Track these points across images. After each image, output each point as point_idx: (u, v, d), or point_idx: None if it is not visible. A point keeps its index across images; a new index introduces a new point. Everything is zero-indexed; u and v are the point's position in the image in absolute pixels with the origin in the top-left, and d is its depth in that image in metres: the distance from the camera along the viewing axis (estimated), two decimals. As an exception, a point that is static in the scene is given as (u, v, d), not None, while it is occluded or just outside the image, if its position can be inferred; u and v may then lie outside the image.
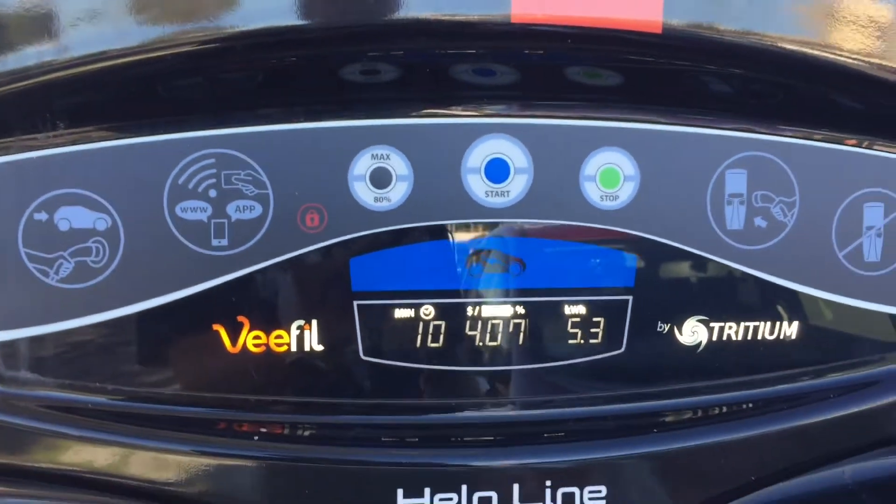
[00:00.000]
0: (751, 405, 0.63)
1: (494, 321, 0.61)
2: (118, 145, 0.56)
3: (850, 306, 0.65)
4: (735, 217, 0.63)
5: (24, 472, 0.54)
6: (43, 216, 0.55)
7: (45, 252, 0.56)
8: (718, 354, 0.63)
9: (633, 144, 0.61)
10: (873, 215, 0.65)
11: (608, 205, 0.61)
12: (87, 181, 0.56)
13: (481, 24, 0.55)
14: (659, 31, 0.56)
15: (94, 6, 0.52)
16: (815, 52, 0.60)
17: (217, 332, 0.58)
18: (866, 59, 0.60)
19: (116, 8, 0.53)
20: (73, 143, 0.56)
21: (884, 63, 0.61)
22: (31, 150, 0.55)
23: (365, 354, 0.59)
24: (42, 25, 0.53)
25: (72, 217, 0.55)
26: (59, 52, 0.53)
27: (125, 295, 0.56)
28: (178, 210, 0.56)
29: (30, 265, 0.55)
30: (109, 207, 0.56)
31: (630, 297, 0.62)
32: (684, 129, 0.62)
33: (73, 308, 0.56)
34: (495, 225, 0.60)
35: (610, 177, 0.61)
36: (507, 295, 0.61)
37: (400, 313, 0.60)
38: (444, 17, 0.55)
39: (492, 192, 0.60)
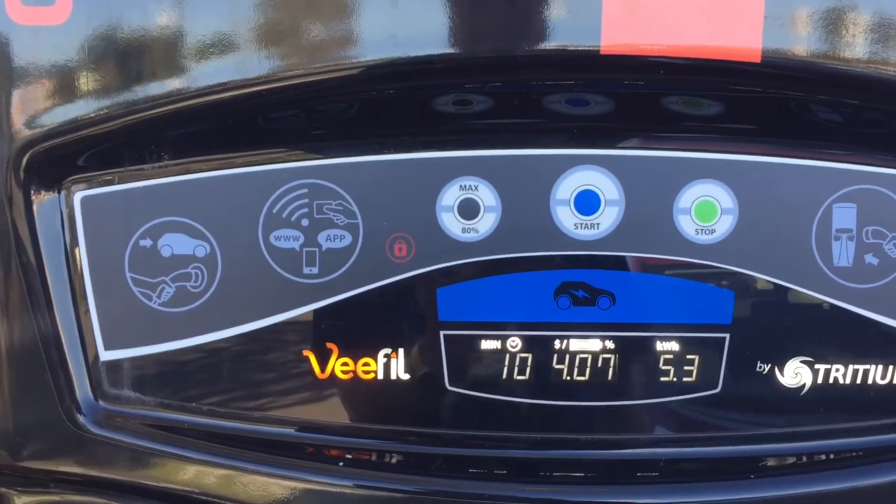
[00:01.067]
0: (858, 453, 0.59)
1: (582, 356, 0.60)
2: (217, 175, 0.58)
3: (971, 351, 0.60)
4: (843, 253, 0.60)
5: (120, 486, 0.57)
6: (147, 243, 0.58)
7: (149, 276, 0.58)
8: (823, 398, 0.60)
9: (731, 177, 0.59)
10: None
11: (704, 238, 0.59)
12: (189, 210, 0.58)
13: (571, 56, 0.55)
14: (758, 60, 0.54)
15: (200, 43, 0.55)
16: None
17: (307, 358, 0.59)
18: None
19: (222, 44, 0.55)
20: (177, 173, 0.58)
21: None
22: (138, 181, 0.58)
23: (450, 384, 0.59)
24: (153, 62, 0.56)
25: (174, 244, 0.58)
26: (165, 87, 0.56)
27: (221, 319, 0.59)
28: (272, 238, 0.58)
29: (135, 289, 0.58)
30: (208, 235, 0.58)
31: (727, 335, 0.60)
32: (786, 161, 0.59)
33: (173, 331, 0.59)
34: (585, 257, 0.59)
35: (706, 210, 0.59)
36: (595, 329, 0.60)
37: (486, 344, 0.59)
38: (534, 49, 0.55)
39: (581, 224, 0.59)
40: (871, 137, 0.61)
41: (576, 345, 0.60)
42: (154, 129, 0.58)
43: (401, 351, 0.59)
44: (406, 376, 0.59)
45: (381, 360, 0.59)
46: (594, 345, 0.60)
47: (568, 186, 0.59)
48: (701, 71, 0.55)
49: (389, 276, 0.59)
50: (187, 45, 0.55)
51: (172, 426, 0.59)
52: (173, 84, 0.56)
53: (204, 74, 0.55)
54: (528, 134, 0.60)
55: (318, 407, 0.60)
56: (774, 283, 0.59)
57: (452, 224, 0.58)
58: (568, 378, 0.60)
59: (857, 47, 0.54)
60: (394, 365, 0.59)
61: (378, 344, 0.59)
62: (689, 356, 0.60)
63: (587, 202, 0.59)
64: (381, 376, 0.59)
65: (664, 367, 0.60)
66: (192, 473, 0.58)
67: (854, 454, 0.60)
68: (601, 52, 0.54)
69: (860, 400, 0.60)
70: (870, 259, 0.60)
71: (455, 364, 0.59)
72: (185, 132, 0.59)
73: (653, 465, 0.60)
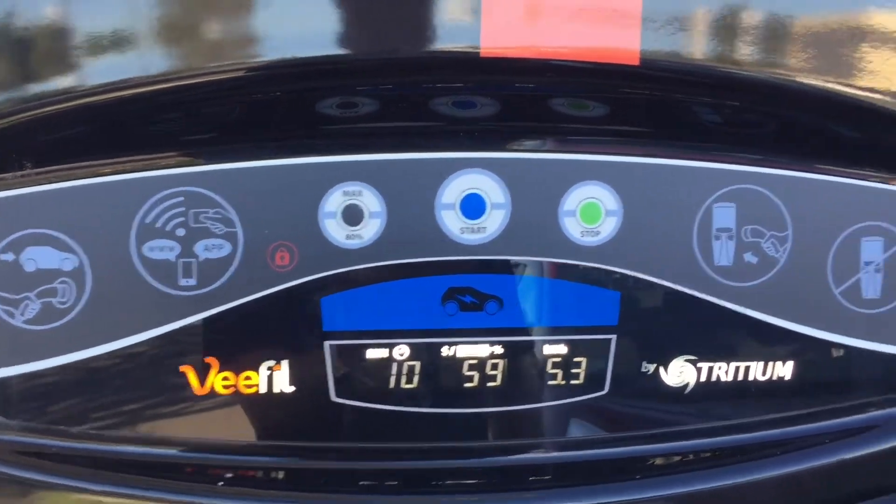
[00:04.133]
0: (741, 450, 0.61)
1: (471, 361, 0.59)
2: (85, 185, 0.55)
3: (847, 346, 0.62)
4: (723, 253, 0.61)
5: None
6: (9, 257, 0.55)
7: (11, 293, 0.55)
8: (707, 396, 0.61)
9: (616, 178, 0.59)
10: (871, 250, 0.62)
11: (589, 241, 0.59)
12: (54, 221, 0.55)
13: (451, 59, 0.54)
14: (637, 62, 0.54)
15: (64, 45, 0.52)
16: (808, 81, 0.57)
17: (185, 374, 0.56)
18: (863, 87, 0.58)
19: (89, 45, 0.52)
20: (40, 182, 0.55)
21: (882, 91, 0.58)
22: (-2, 191, 0.54)
23: (337, 396, 0.58)
24: (9, 65, 0.52)
25: (38, 257, 0.55)
26: (25, 92, 0.52)
27: (92, 336, 0.55)
28: (145, 249, 0.55)
29: (-5, 306, 0.55)
30: (76, 247, 0.55)
31: (613, 337, 0.60)
32: (669, 162, 0.60)
33: (40, 350, 0.55)
34: (472, 262, 0.58)
35: (591, 212, 0.59)
36: (483, 334, 0.59)
37: (372, 354, 0.58)
38: (415, 52, 0.54)
39: (467, 228, 0.58)
40: (750, 138, 0.62)
41: (464, 351, 0.59)
42: (13, 137, 0.54)
43: (284, 363, 0.57)
44: (290, 389, 0.57)
45: (264, 373, 0.57)
46: (482, 350, 0.59)
47: (453, 190, 0.58)
48: (582, 73, 0.56)
49: (271, 286, 0.57)
50: (48, 46, 0.52)
51: (41, 451, 0.55)
52: (36, 88, 0.52)
53: (69, 78, 0.52)
54: (412, 137, 0.59)
55: (198, 424, 0.57)
56: (658, 284, 0.60)
57: (336, 231, 0.57)
58: (456, 385, 0.59)
59: (736, 49, 0.55)
60: (277, 378, 0.57)
61: (260, 357, 0.57)
62: (576, 359, 0.60)
63: (473, 206, 0.58)
64: (263, 390, 0.57)
65: (552, 371, 0.60)
66: (64, 501, 0.55)
67: (737, 451, 0.61)
68: (481, 55, 0.53)
69: (742, 397, 0.61)
70: (749, 258, 0.61)
71: (341, 375, 0.58)
72: (46, 141, 0.55)
73: (544, 469, 0.60)
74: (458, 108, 0.59)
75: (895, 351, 0.62)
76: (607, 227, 0.59)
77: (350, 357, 0.58)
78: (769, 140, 0.62)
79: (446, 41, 0.54)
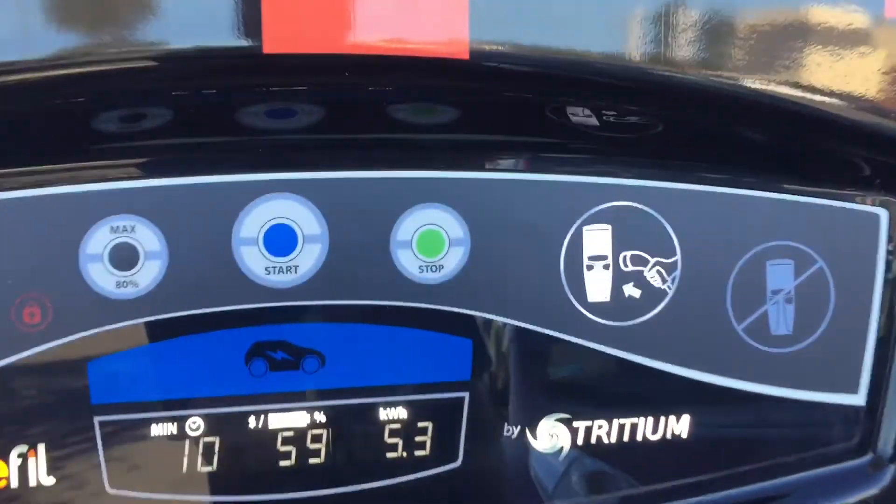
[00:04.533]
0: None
1: (286, 434, 0.47)
2: None
3: (753, 394, 0.51)
4: (598, 286, 0.49)
5: None
6: None
7: None
8: (584, 462, 0.49)
9: (460, 200, 0.48)
10: (780, 276, 0.51)
11: (430, 277, 0.48)
12: None
13: (230, 58, 0.42)
14: (466, 56, 0.43)
15: None
16: (694, 73, 0.46)
17: (-89, 467, 0.44)
18: (764, 78, 0.47)
19: None
20: None
21: (790, 84, 0.47)
22: None
23: (112, 487, 0.46)
24: None
25: None
26: None
27: None
28: None
29: None
30: None
31: (466, 394, 0.48)
32: (527, 177, 0.48)
33: None
34: (281, 310, 0.46)
35: (431, 241, 0.48)
36: (301, 399, 0.47)
37: (157, 430, 0.46)
38: (188, 49, 0.42)
39: (274, 267, 0.46)
40: (626, 145, 0.51)
41: (277, 421, 0.47)
42: None
43: (41, 448, 0.45)
44: (50, 481, 0.45)
45: (15, 461, 0.45)
46: (300, 419, 0.47)
47: (255, 221, 0.46)
48: (401, 70, 0.44)
49: (20, 350, 0.44)
50: None
51: None
52: None
53: None
54: (201, 156, 0.47)
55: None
56: (519, 327, 0.48)
57: (102, 277, 0.45)
58: (269, 465, 0.47)
59: (582, 38, 0.44)
60: (32, 467, 0.45)
61: (9, 441, 0.45)
62: (420, 424, 0.48)
63: (280, 240, 0.46)
64: (15, 484, 0.45)
65: (390, 441, 0.48)
66: None
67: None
68: (264, 52, 0.41)
69: (627, 461, 0.50)
70: (630, 290, 0.49)
71: (116, 459, 0.46)
72: None
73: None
74: (257, 119, 0.48)
75: (811, 398, 0.51)
76: (452, 260, 0.48)
77: (128, 436, 0.46)
78: (650, 148, 0.51)
79: (226, 39, 0.42)
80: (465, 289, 0.48)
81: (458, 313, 0.48)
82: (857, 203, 0.52)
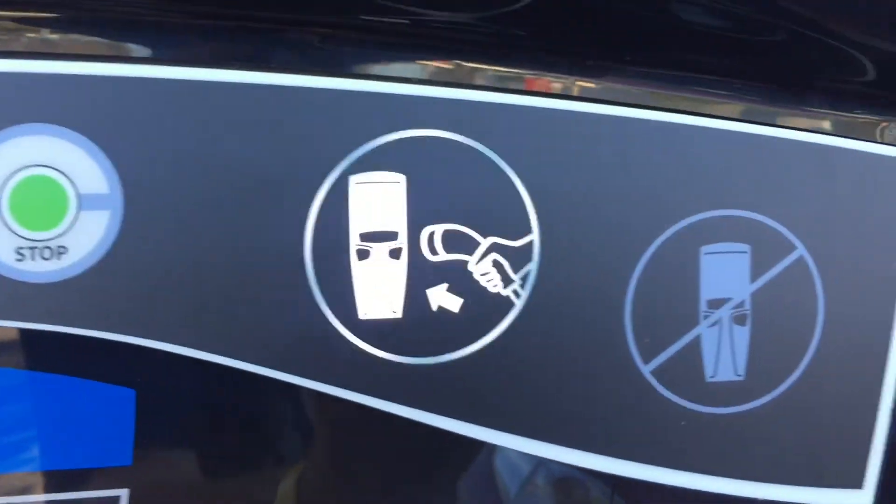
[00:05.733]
0: None
1: None
2: None
3: (672, 488, 0.27)
4: (379, 289, 0.26)
5: None
6: None
7: None
8: None
9: (86, 122, 0.24)
10: (725, 274, 0.28)
11: (41, 271, 0.24)
12: None
13: None
14: None
15: None
16: None
17: None
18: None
19: None
20: None
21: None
22: None
23: None
24: None
25: None
26: None
27: None
28: None
29: None
30: None
31: (122, 494, 0.25)
32: (248, 78, 0.25)
33: None
34: None
35: (38, 200, 0.24)
36: None
37: None
38: None
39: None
40: (440, 29, 0.27)
41: None
42: None
43: None
44: None
45: None
46: None
47: None
48: None
49: None
50: None
51: None
52: None
53: None
54: None
55: None
56: (224, 366, 0.25)
57: None
58: None
59: None
60: None
61: None
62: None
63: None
64: None
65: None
66: None
67: None
68: None
69: None
70: (442, 299, 0.26)
71: None
72: None
73: None
74: None
75: (780, 498, 0.28)
76: (84, 238, 0.24)
77: None
78: (487, 32, 0.27)
79: None
80: (111, 293, 0.24)
81: (103, 341, 0.25)
82: (861, 140, 0.28)
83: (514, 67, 0.28)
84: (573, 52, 0.28)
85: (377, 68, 0.27)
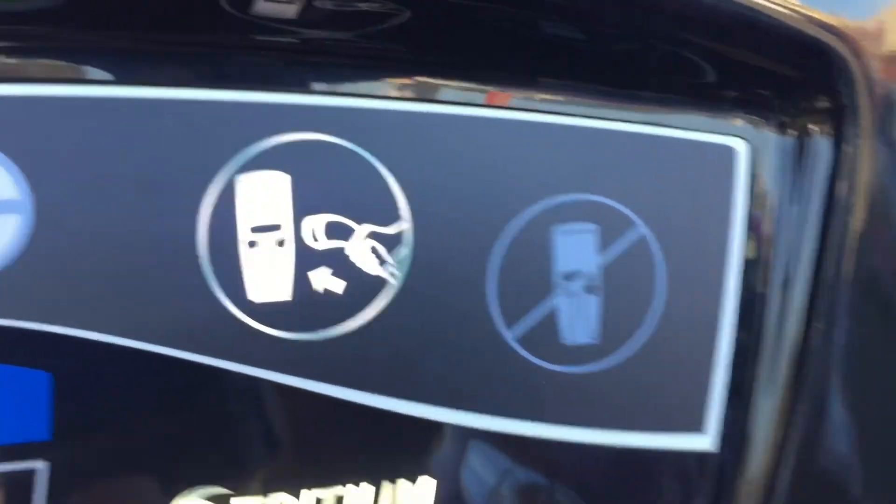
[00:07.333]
0: None
1: None
2: None
3: (536, 439, 0.31)
4: (267, 274, 0.29)
5: None
6: None
7: None
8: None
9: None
10: (577, 250, 0.32)
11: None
12: None
13: None
14: None
15: None
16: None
17: None
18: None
19: None
20: None
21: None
22: None
23: None
24: None
25: None
26: None
27: None
28: None
29: None
30: None
31: (42, 466, 0.28)
32: (123, 92, 0.28)
33: None
34: None
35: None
36: None
37: None
38: None
39: None
40: (325, 45, 0.31)
41: None
42: None
43: None
44: None
45: None
46: None
47: None
48: None
49: None
50: None
51: None
52: None
53: None
54: None
55: None
56: (130, 349, 0.28)
57: None
58: None
59: None
60: None
61: None
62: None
63: None
64: None
65: None
66: None
67: None
68: None
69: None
70: (325, 282, 0.30)
71: None
72: None
73: None
74: None
75: (628, 443, 0.32)
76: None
77: None
78: (366, 47, 0.30)
79: None
80: (26, 285, 0.27)
81: (16, 329, 0.28)
82: (698, 132, 0.32)
83: (388, 78, 0.32)
84: (439, 63, 0.32)
85: (263, 80, 0.30)
